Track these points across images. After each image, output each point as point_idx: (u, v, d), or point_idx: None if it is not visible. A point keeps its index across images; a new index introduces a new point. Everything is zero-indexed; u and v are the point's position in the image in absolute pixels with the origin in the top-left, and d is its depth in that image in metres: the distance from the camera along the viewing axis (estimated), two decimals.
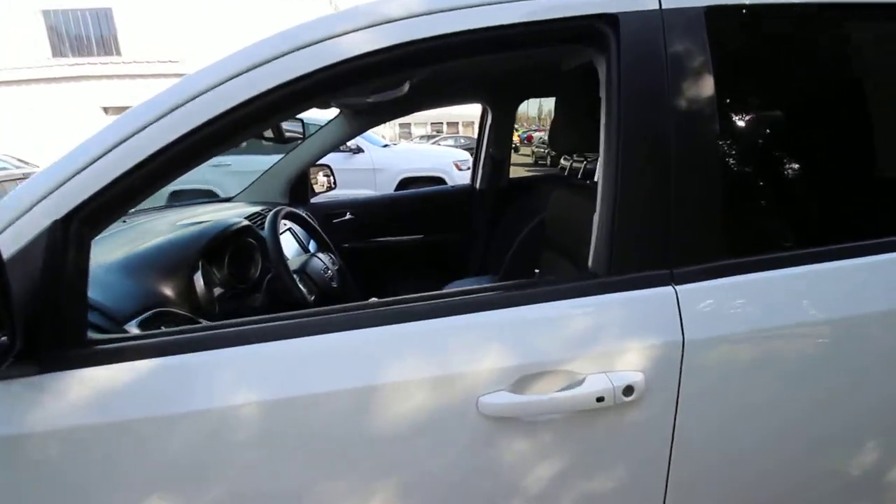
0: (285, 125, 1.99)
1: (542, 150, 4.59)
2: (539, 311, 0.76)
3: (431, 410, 0.72)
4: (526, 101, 2.52)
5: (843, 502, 0.87)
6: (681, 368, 0.74)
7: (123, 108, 0.77)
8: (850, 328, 0.78)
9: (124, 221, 1.54)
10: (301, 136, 2.18)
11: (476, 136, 2.66)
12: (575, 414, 0.74)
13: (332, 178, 2.43)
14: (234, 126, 0.75)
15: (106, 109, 12.63)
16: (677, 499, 0.80)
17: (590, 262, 0.82)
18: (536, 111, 3.95)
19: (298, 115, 1.92)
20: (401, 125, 24.76)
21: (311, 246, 1.88)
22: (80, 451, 0.69)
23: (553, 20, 0.77)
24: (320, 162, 2.29)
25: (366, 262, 2.31)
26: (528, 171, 4.53)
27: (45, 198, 0.69)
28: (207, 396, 0.70)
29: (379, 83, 1.41)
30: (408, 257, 2.40)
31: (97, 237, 0.76)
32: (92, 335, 0.75)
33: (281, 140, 2.05)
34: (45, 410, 0.68)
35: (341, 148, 4.77)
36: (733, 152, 0.84)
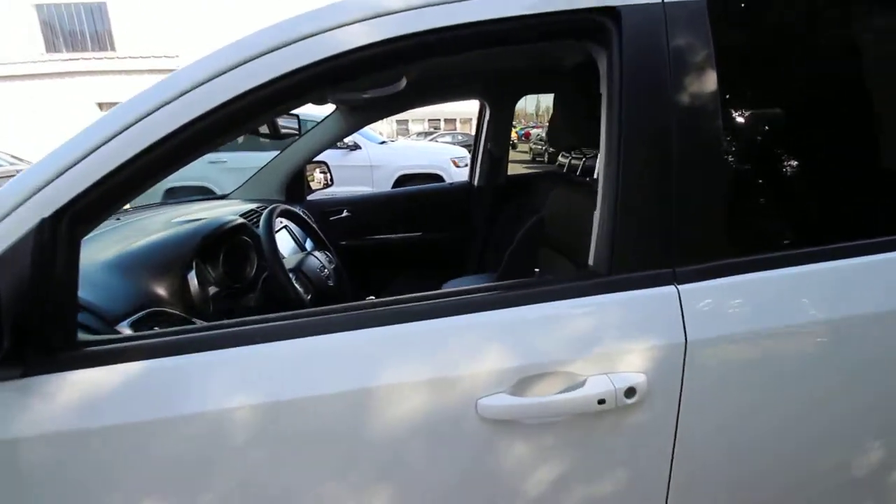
0: (281, 121, 1.97)
1: (540, 146, 4.58)
2: (539, 311, 0.74)
3: (429, 413, 0.71)
4: (524, 98, 2.50)
5: (846, 502, 0.86)
6: (683, 369, 0.73)
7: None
8: (856, 327, 0.77)
9: (118, 219, 1.52)
10: (297, 132, 2.16)
11: (474, 132, 2.64)
12: (576, 416, 0.73)
13: (328, 174, 2.41)
14: (228, 121, 0.73)
15: (100, 105, 12.55)
16: (679, 501, 0.79)
17: (590, 261, 0.81)
18: (534, 108, 3.93)
19: (294, 112, 1.91)
20: (398, 122, 24.72)
21: (308, 244, 1.86)
22: (67, 456, 0.67)
23: (554, 13, 0.75)
24: (317, 159, 2.27)
25: (363, 259, 2.29)
26: (526, 167, 4.52)
27: (33, 195, 0.67)
28: (201, 399, 0.68)
29: (376, 78, 1.39)
30: (405, 255, 2.39)
31: (89, 235, 0.75)
32: (82, 336, 0.74)
33: (277, 136, 2.03)
34: (32, 414, 0.66)
35: (338, 144, 4.74)
36: (737, 148, 0.83)
